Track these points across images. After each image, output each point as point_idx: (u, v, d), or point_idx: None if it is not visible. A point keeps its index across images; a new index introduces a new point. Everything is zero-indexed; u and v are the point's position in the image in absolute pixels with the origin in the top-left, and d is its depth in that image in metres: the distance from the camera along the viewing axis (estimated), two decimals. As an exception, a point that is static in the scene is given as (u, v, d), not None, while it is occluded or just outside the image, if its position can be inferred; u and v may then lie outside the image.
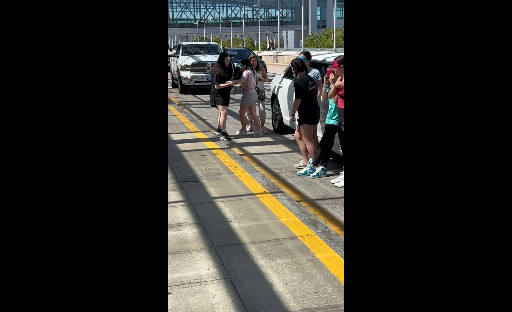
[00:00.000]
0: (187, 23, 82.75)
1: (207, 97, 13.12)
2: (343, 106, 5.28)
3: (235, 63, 10.67)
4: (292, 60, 6.34)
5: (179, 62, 16.18)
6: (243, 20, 67.03)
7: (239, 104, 8.78)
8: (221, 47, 20.03)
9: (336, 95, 5.47)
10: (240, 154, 7.06)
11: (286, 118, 7.99)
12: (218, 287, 3.07)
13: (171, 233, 3.94)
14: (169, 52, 18.14)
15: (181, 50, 17.37)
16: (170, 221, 4.20)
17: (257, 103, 8.72)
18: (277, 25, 51.73)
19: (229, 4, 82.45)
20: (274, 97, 8.71)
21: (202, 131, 8.63)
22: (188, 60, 15.88)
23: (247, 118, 8.80)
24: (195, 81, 15.73)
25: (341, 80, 5.36)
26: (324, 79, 5.84)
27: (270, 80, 9.57)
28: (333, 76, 5.48)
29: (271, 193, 5.00)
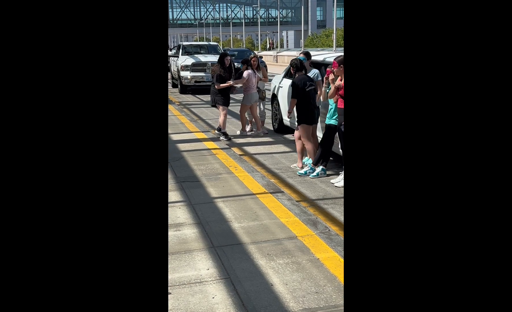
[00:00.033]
0: (187, 23, 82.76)
1: (207, 97, 13.12)
2: (343, 106, 5.28)
3: (235, 63, 10.67)
4: (291, 60, 6.35)
5: (179, 62, 16.18)
6: (243, 20, 67.02)
7: (239, 104, 8.78)
8: (221, 47, 20.03)
9: (336, 95, 5.47)
10: (240, 155, 7.06)
11: (286, 119, 7.99)
12: (218, 287, 3.07)
13: (171, 233, 3.94)
14: (169, 52, 18.14)
15: (181, 50, 17.37)
16: (170, 221, 4.20)
17: (257, 103, 8.73)
18: (277, 25, 51.73)
19: (229, 4, 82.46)
20: (274, 97, 8.71)
21: (202, 131, 8.63)
22: (188, 60, 15.88)
23: (247, 118, 8.80)
24: (195, 81, 15.73)
25: (341, 80, 5.36)
26: (324, 79, 5.84)
27: (270, 80, 9.57)
28: (333, 76, 5.48)
29: (271, 193, 5.00)
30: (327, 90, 5.75)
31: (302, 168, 6.23)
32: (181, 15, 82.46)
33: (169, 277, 3.16)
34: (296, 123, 6.26)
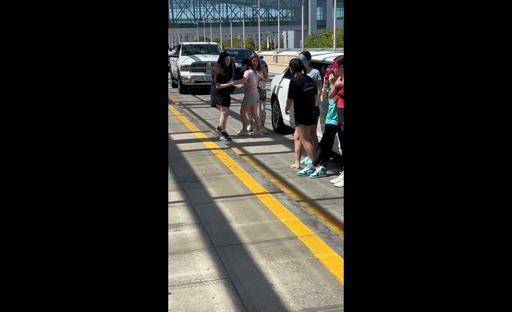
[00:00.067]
0: (187, 23, 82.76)
1: (207, 97, 13.12)
2: (343, 106, 5.28)
3: (236, 64, 10.67)
4: (290, 60, 6.35)
5: (179, 62, 16.18)
6: (243, 20, 67.02)
7: (240, 104, 8.78)
8: (221, 47, 20.03)
9: (336, 95, 5.47)
10: (240, 155, 7.06)
11: (286, 118, 8.00)
12: (218, 287, 3.07)
13: (171, 233, 3.94)
14: (169, 52, 18.14)
15: (181, 50, 17.37)
16: (170, 221, 4.20)
17: (258, 103, 8.73)
18: (277, 25, 51.73)
19: (229, 4, 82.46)
20: (274, 97, 8.71)
21: (202, 131, 8.63)
22: (188, 60, 15.88)
23: (247, 118, 8.80)
24: (195, 81, 15.74)
25: (341, 80, 5.36)
26: (324, 80, 5.84)
27: (270, 80, 9.58)
28: (333, 76, 5.48)
29: (271, 193, 5.00)
30: (327, 90, 5.75)
31: (300, 168, 6.23)
32: (181, 15, 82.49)
33: (169, 277, 3.16)
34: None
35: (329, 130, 5.81)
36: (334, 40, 32.03)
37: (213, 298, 2.95)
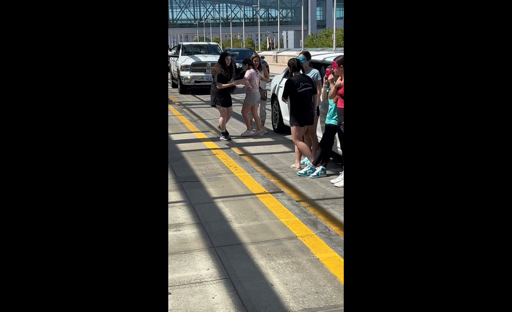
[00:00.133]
0: (187, 23, 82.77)
1: (207, 97, 13.12)
2: (343, 106, 5.28)
3: (237, 64, 10.67)
4: (288, 60, 6.35)
5: (179, 62, 16.18)
6: (243, 20, 67.02)
7: (240, 103, 8.77)
8: (221, 47, 20.03)
9: (336, 95, 5.47)
10: (240, 155, 7.06)
11: (286, 118, 7.99)
12: (218, 287, 3.07)
13: (171, 233, 3.94)
14: (169, 52, 18.14)
15: (181, 50, 17.37)
16: (170, 221, 4.20)
17: (258, 103, 8.73)
18: (277, 25, 51.73)
19: (229, 4, 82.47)
20: (274, 97, 8.71)
21: (202, 132, 8.63)
22: (188, 60, 15.88)
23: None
24: (195, 81, 15.73)
25: (341, 80, 5.36)
26: (324, 80, 5.84)
27: (271, 80, 9.58)
28: (332, 77, 5.48)
29: (271, 193, 5.00)
30: (327, 90, 5.75)
31: (300, 168, 6.23)
32: (181, 15, 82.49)
33: (169, 277, 3.16)
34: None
35: (329, 130, 5.81)
36: (334, 40, 32.03)
37: (213, 298, 2.95)
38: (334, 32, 32.51)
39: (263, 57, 12.29)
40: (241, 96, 10.84)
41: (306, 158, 6.38)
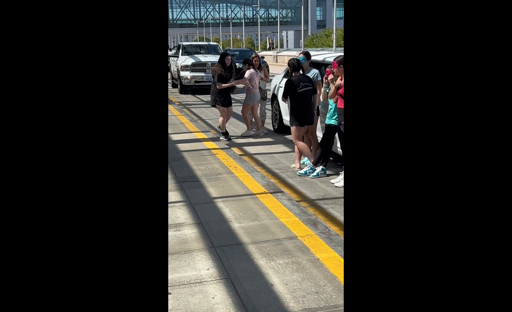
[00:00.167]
0: (187, 23, 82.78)
1: (207, 97, 13.12)
2: (343, 106, 5.28)
3: (237, 64, 10.67)
4: (288, 60, 6.35)
5: (179, 62, 16.18)
6: (243, 20, 67.02)
7: (240, 103, 8.77)
8: (221, 47, 20.04)
9: (336, 95, 5.47)
10: (240, 155, 7.06)
11: (286, 118, 7.99)
12: (218, 287, 3.07)
13: (171, 233, 3.94)
14: (169, 52, 18.14)
15: (181, 50, 17.37)
16: (170, 221, 4.20)
17: (258, 103, 8.73)
18: (277, 25, 51.72)
19: (229, 4, 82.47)
20: (274, 97, 8.72)
21: (202, 132, 8.63)
22: (188, 60, 15.88)
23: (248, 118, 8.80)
24: (195, 81, 15.74)
25: (341, 80, 5.36)
26: (324, 80, 5.84)
27: (271, 80, 9.58)
28: (332, 77, 5.48)
29: (271, 193, 5.00)
30: (327, 91, 5.75)
31: (300, 168, 6.23)
32: (181, 15, 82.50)
33: (169, 277, 3.16)
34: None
35: (329, 130, 5.81)
36: (334, 40, 32.03)
37: (213, 298, 2.95)
38: (334, 32, 32.51)
39: (263, 57, 12.30)
40: (241, 96, 10.83)
41: (306, 158, 6.38)
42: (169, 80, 18.29)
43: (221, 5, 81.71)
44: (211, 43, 21.84)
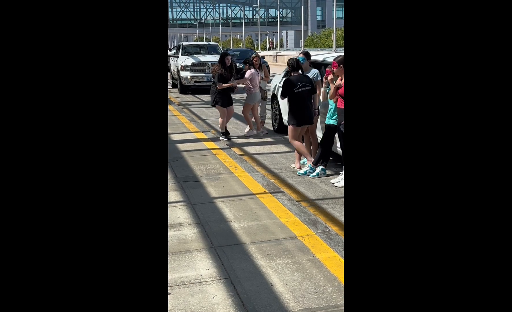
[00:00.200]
0: (187, 23, 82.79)
1: (207, 97, 13.13)
2: (342, 106, 5.28)
3: (237, 64, 10.66)
4: (288, 60, 6.35)
5: (179, 62, 16.18)
6: (243, 20, 67.04)
7: (240, 103, 8.77)
8: (221, 47, 20.04)
9: (336, 95, 5.47)
10: (240, 155, 7.06)
11: (286, 118, 7.99)
12: (218, 287, 3.07)
13: (171, 233, 3.94)
14: (169, 52, 18.14)
15: (181, 50, 17.37)
16: (170, 221, 4.20)
17: (259, 103, 8.73)
18: (277, 25, 51.72)
19: (229, 4, 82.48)
20: (274, 97, 8.72)
21: (202, 132, 8.63)
22: (188, 60, 15.88)
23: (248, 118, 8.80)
24: (195, 81, 15.74)
25: (341, 80, 5.36)
26: (323, 80, 5.84)
27: (271, 80, 9.58)
28: (332, 77, 5.48)
29: (271, 193, 5.00)
30: (327, 90, 5.75)
31: (300, 168, 6.23)
32: (181, 15, 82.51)
33: (169, 277, 3.16)
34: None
35: (329, 130, 5.81)
36: (334, 40, 32.03)
37: (213, 298, 2.95)
38: (334, 32, 32.51)
39: (263, 57, 12.30)
40: (241, 96, 10.83)
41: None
42: (169, 80, 18.29)
43: (221, 5, 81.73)
44: (211, 43, 21.84)
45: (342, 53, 5.81)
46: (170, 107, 12.08)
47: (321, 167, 5.93)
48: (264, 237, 3.86)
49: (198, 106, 13.26)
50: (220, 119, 8.27)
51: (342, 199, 4.96)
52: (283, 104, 8.13)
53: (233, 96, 8.72)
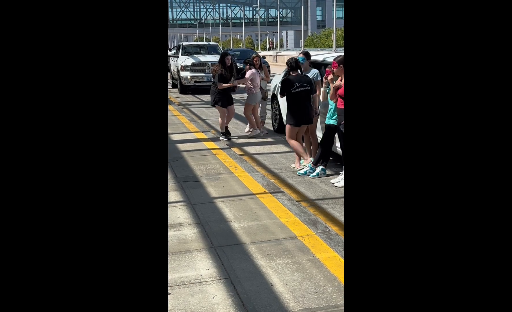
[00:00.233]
0: (187, 23, 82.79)
1: (207, 97, 13.13)
2: (342, 106, 5.28)
3: (238, 64, 10.66)
4: (287, 60, 6.35)
5: (179, 62, 16.18)
6: (243, 20, 67.03)
7: (240, 103, 8.77)
8: (221, 47, 20.04)
9: (336, 96, 5.47)
10: (240, 155, 7.06)
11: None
12: (218, 287, 3.07)
13: (171, 233, 3.94)
14: (169, 53, 18.14)
15: (180, 51, 17.37)
16: (170, 221, 4.20)
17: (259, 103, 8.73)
18: (277, 25, 51.72)
19: (229, 4, 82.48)
20: (274, 97, 8.72)
21: (202, 132, 8.63)
22: (188, 60, 15.88)
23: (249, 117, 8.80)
24: (195, 82, 15.74)
25: (341, 80, 5.36)
26: (323, 79, 5.84)
27: (271, 80, 9.58)
28: (332, 77, 5.48)
29: (271, 193, 5.00)
30: (327, 90, 5.75)
31: (300, 168, 6.23)
32: (181, 15, 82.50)
33: (169, 277, 3.16)
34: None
35: (329, 130, 5.81)
36: (334, 40, 32.04)
37: (213, 298, 2.95)
38: (334, 32, 32.51)
39: (264, 57, 12.29)
40: (241, 96, 10.82)
41: (306, 158, 6.38)
42: (169, 80, 18.29)
43: (221, 5, 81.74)
44: (211, 43, 21.85)
45: (342, 53, 5.81)
46: (170, 107, 12.08)
47: (321, 167, 5.93)
48: (264, 237, 3.86)
49: (198, 106, 13.26)
50: (219, 120, 8.26)
51: (342, 199, 4.96)
52: (283, 104, 8.13)
53: (233, 96, 8.72)
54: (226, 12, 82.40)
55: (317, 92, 6.23)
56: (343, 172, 5.65)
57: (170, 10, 77.02)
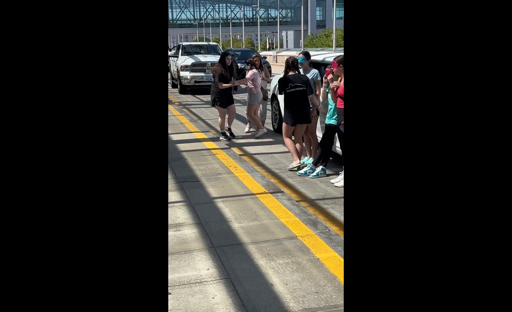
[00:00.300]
0: (187, 23, 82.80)
1: (207, 97, 13.13)
2: (342, 106, 5.28)
3: (238, 64, 10.65)
4: (286, 59, 6.36)
5: (179, 62, 16.18)
6: (243, 20, 67.03)
7: (241, 103, 8.76)
8: (220, 47, 20.04)
9: (336, 96, 5.47)
10: (240, 155, 7.06)
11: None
12: (218, 287, 3.07)
13: (171, 233, 3.94)
14: (169, 53, 18.14)
15: (180, 51, 17.37)
16: (170, 221, 4.20)
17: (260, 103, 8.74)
18: (277, 25, 51.72)
19: (228, 4, 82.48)
20: (274, 97, 8.72)
21: (202, 132, 8.63)
22: (188, 60, 15.88)
23: (247, 118, 8.79)
24: (195, 82, 15.74)
25: (341, 81, 5.36)
26: (323, 79, 5.84)
27: (271, 80, 9.58)
28: (332, 76, 5.48)
29: (271, 193, 5.00)
30: (327, 90, 5.75)
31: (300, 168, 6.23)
32: (180, 15, 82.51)
33: (169, 277, 3.16)
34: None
35: (329, 130, 5.81)
36: (333, 40, 32.04)
37: (213, 298, 2.95)
38: (334, 32, 32.52)
39: (264, 57, 12.28)
40: (242, 96, 10.82)
41: (306, 157, 6.38)
42: (169, 80, 18.30)
43: (221, 5, 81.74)
44: (211, 43, 21.85)
45: (342, 53, 5.81)
46: (170, 107, 12.08)
47: (321, 166, 5.93)
48: (264, 237, 3.86)
49: (198, 106, 13.26)
50: (219, 119, 8.26)
51: (342, 199, 4.96)
52: (283, 104, 8.13)
53: (235, 97, 8.71)
54: (226, 12, 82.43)
55: (317, 92, 6.23)
56: (343, 172, 5.65)
57: (170, 10, 77.04)
